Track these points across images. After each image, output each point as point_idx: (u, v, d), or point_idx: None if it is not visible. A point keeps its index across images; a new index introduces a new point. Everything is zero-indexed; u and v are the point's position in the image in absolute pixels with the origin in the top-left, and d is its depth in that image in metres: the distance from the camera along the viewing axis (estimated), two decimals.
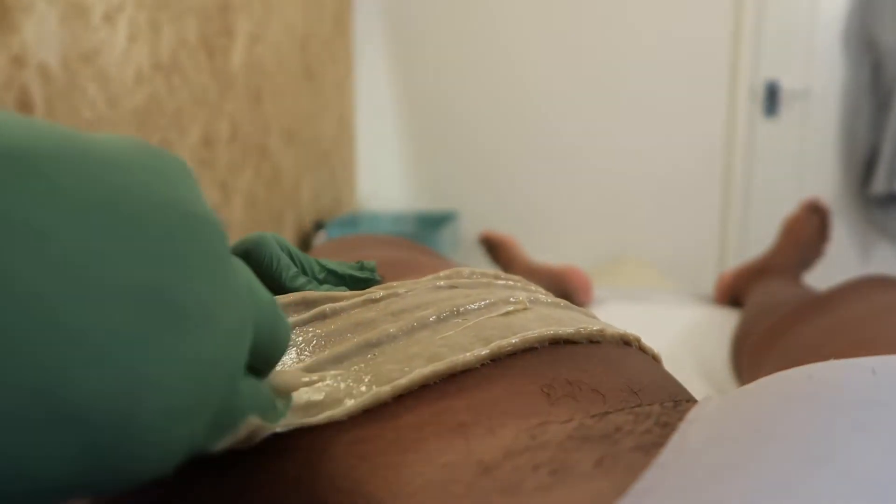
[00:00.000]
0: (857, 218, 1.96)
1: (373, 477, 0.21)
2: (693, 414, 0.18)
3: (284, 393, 0.24)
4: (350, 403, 0.23)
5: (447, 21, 1.88)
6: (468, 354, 0.25)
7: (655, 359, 0.34)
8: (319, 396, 0.24)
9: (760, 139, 1.92)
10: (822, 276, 1.31)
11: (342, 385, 0.25)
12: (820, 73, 1.90)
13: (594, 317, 0.34)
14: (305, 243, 1.53)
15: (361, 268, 0.36)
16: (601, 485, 0.17)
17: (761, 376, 0.55)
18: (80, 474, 0.13)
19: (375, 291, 0.32)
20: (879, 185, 1.85)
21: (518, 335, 0.27)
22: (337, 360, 0.27)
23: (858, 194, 1.95)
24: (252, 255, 0.34)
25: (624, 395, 0.25)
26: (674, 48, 1.86)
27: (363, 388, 0.24)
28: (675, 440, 0.17)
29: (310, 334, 0.29)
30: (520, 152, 1.95)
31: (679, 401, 0.23)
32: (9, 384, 0.12)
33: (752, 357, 0.66)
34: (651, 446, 0.17)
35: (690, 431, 0.17)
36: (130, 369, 0.14)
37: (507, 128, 1.95)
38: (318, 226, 1.55)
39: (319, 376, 0.26)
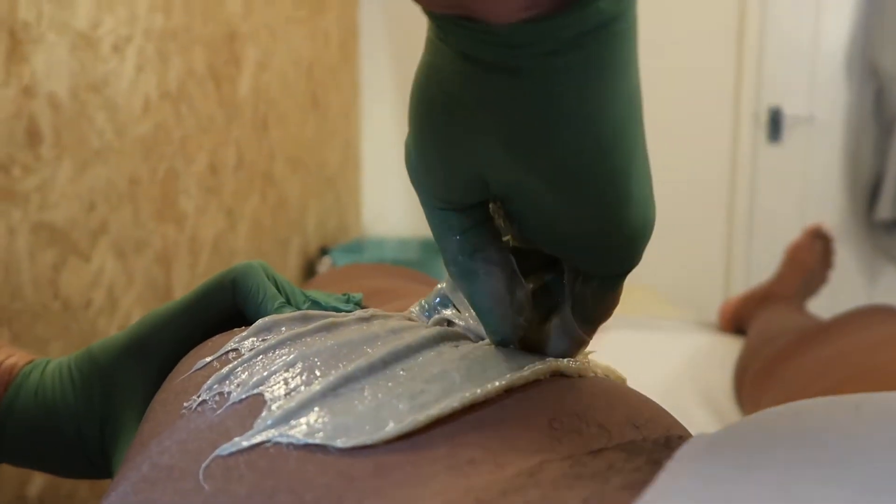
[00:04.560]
0: (863, 244, 1.96)
1: None
2: (681, 452, 0.18)
3: None
4: (389, 429, 0.24)
5: None
6: (489, 387, 0.26)
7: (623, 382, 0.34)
8: (361, 412, 0.25)
9: (764, 165, 1.93)
10: (828, 303, 1.30)
11: (379, 403, 0.25)
12: (823, 99, 1.91)
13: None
14: (311, 269, 1.54)
15: (347, 300, 0.37)
16: None
17: (762, 406, 0.55)
18: None
19: (363, 313, 0.33)
20: (884, 210, 1.85)
21: (528, 368, 0.28)
22: (372, 370, 0.27)
23: (863, 220, 1.95)
24: (239, 285, 0.34)
25: (627, 429, 0.26)
26: (677, 75, 1.87)
27: (401, 408, 0.25)
28: (661, 479, 0.17)
29: (315, 347, 0.29)
30: None
31: (671, 437, 0.23)
32: None
33: (753, 386, 0.66)
34: (638, 484, 0.18)
35: (676, 470, 0.17)
36: None
37: None
38: (324, 251, 1.56)
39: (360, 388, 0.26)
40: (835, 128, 1.92)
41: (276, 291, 0.35)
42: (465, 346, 0.30)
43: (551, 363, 0.29)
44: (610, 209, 0.25)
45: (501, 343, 0.28)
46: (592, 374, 0.31)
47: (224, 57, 1.11)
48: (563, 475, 0.20)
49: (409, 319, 0.33)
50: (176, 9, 0.95)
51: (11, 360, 0.38)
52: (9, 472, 0.65)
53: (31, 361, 0.39)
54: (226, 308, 0.35)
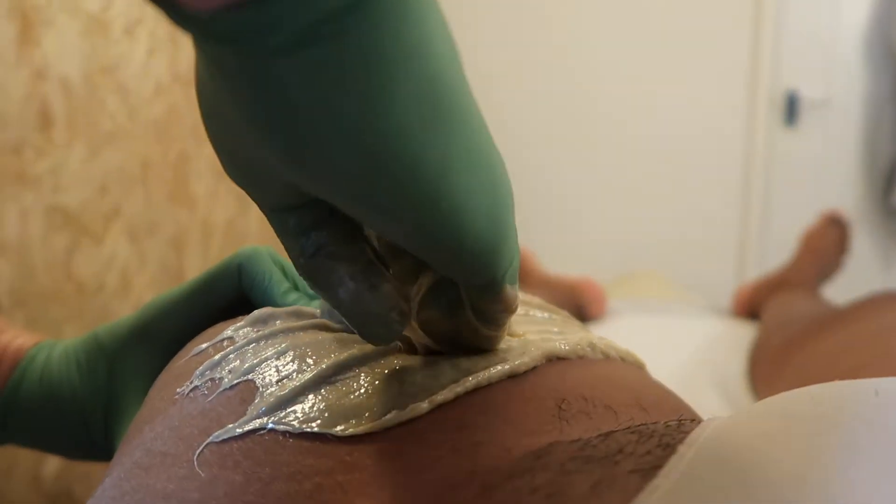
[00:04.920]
0: (879, 230, 1.93)
1: (383, 497, 0.21)
2: (693, 437, 0.18)
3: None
4: (390, 416, 0.24)
5: (463, 30, 1.89)
6: (492, 371, 0.26)
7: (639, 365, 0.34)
8: (358, 399, 0.25)
9: (780, 149, 1.91)
10: (844, 289, 1.29)
11: (376, 390, 0.25)
12: (841, 83, 1.88)
13: (588, 331, 0.34)
14: None
15: None
16: None
17: (776, 393, 0.54)
18: None
19: None
20: None
21: (528, 354, 0.28)
22: (366, 358, 0.27)
23: (880, 205, 1.92)
24: (244, 270, 0.34)
25: (634, 411, 0.26)
26: (693, 56, 1.85)
27: (401, 394, 0.25)
28: (672, 463, 0.17)
29: (307, 339, 0.29)
30: (537, 162, 1.95)
31: (684, 420, 0.23)
32: None
33: (767, 373, 0.65)
34: (650, 469, 0.17)
35: (688, 454, 0.17)
36: None
37: (525, 137, 1.95)
38: None
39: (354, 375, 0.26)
40: (853, 112, 1.89)
41: (282, 276, 0.35)
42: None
43: (550, 346, 0.29)
44: (429, 226, 0.20)
45: (378, 343, 0.25)
46: (602, 357, 0.30)
47: None
48: (571, 458, 0.20)
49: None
50: None
51: (17, 342, 0.38)
52: (24, 453, 0.66)
53: (37, 344, 0.39)
54: (232, 293, 0.35)
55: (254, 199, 0.24)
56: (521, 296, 0.37)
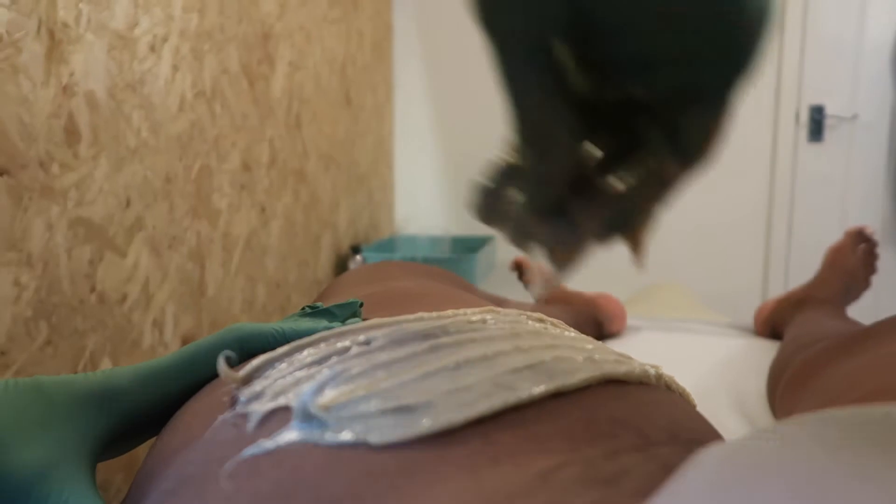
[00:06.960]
0: None
1: None
2: (695, 458, 0.18)
3: None
4: (426, 425, 0.24)
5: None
6: (535, 390, 0.26)
7: (691, 404, 0.34)
8: (391, 402, 0.25)
9: (804, 165, 1.88)
10: (870, 309, 1.27)
11: (417, 398, 0.25)
12: (866, 98, 1.86)
13: (630, 357, 0.34)
14: (342, 267, 1.55)
15: (343, 315, 0.36)
16: None
17: (795, 413, 0.53)
18: None
19: (436, 321, 0.32)
20: None
21: (578, 375, 0.27)
22: (413, 368, 0.27)
23: None
24: (247, 342, 0.34)
25: (664, 437, 0.25)
26: None
27: (439, 404, 0.25)
28: (670, 485, 0.16)
29: (341, 357, 0.29)
30: None
31: (692, 440, 0.23)
32: None
33: (786, 393, 0.64)
34: (649, 490, 0.17)
35: (688, 476, 0.17)
36: None
37: None
38: (356, 250, 1.57)
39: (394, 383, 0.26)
40: (878, 127, 1.87)
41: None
42: (535, 355, 0.29)
43: (609, 368, 0.28)
44: None
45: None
46: (664, 388, 0.30)
47: (258, 56, 1.13)
48: (576, 479, 0.19)
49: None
50: (211, 9, 0.97)
51: None
52: None
53: None
54: (212, 372, 0.34)
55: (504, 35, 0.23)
56: (555, 321, 0.37)
